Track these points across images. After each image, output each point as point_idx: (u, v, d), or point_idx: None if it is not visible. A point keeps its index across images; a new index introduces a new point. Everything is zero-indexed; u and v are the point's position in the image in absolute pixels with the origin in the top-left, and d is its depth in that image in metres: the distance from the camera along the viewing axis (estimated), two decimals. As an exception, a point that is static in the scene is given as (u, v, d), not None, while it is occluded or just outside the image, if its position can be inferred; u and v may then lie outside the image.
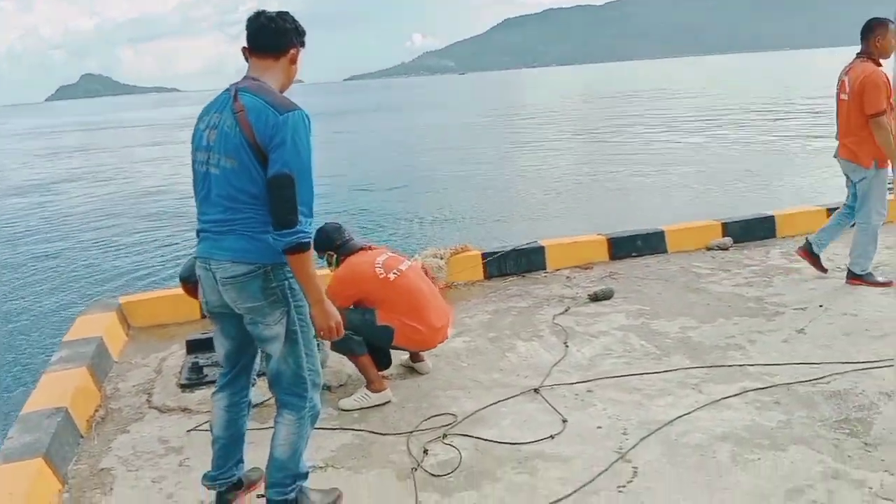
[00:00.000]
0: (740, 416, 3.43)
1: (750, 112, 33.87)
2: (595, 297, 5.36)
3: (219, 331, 2.84)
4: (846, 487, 2.78)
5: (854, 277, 5.29)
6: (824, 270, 5.56)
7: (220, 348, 2.88)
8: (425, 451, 3.26)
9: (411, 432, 3.47)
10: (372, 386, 3.79)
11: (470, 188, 16.82)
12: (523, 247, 6.32)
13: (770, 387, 3.70)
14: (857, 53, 5.20)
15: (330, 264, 4.00)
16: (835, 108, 5.36)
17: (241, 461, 2.99)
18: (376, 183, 18.55)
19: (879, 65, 5.09)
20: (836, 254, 6.06)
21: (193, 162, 2.70)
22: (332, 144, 33.59)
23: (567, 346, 4.47)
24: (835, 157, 5.42)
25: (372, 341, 3.82)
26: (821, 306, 4.88)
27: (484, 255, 6.16)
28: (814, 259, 5.55)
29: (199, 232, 2.72)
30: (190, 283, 3.92)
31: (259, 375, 3.04)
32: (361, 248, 3.98)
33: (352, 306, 3.81)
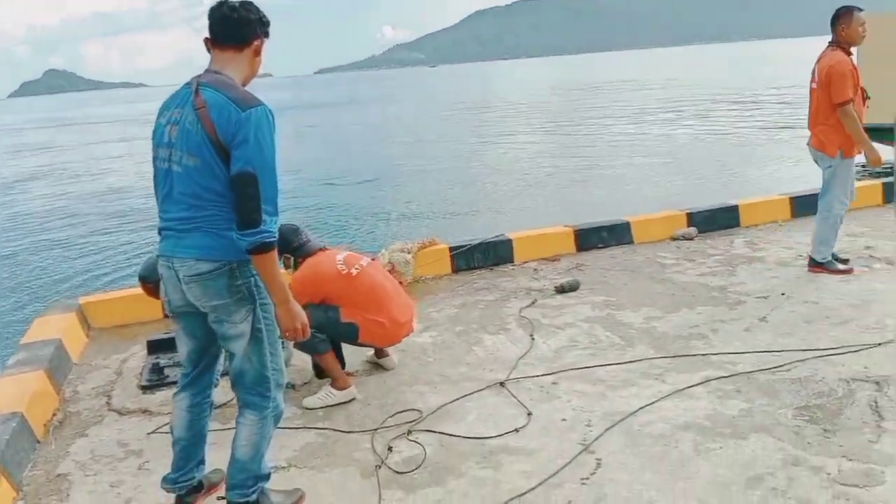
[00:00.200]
0: (702, 405, 3.45)
1: (717, 103, 34.26)
2: (561, 289, 5.37)
3: (181, 330, 2.79)
4: (805, 474, 2.81)
5: (815, 265, 5.36)
6: (846, 262, 5.44)
7: (183, 348, 2.82)
8: (390, 449, 3.24)
9: (376, 429, 3.44)
10: (336, 384, 3.75)
11: (439, 181, 16.79)
12: (491, 240, 6.32)
13: (732, 375, 3.74)
14: (829, 42, 5.25)
15: (287, 267, 3.92)
16: (808, 98, 5.38)
17: (202, 463, 2.94)
18: (346, 177, 18.44)
19: (849, 53, 5.14)
20: (798, 242, 6.16)
21: (154, 158, 2.63)
22: (301, 138, 33.36)
23: (533, 339, 4.47)
24: (807, 145, 5.45)
25: (336, 339, 3.79)
26: (783, 294, 4.94)
27: (451, 249, 6.14)
28: (826, 267, 5.37)
29: (160, 230, 2.65)
30: (149, 282, 3.85)
31: (222, 375, 2.99)
32: (319, 250, 3.92)
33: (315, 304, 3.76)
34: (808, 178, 12.79)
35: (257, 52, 2.64)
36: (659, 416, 3.36)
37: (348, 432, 3.45)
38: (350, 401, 3.76)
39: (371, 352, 4.18)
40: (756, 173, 14.75)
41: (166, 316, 2.86)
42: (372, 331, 3.78)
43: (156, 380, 4.18)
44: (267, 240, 2.44)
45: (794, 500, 2.66)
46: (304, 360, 4.13)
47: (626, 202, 11.93)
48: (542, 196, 14.32)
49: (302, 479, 3.07)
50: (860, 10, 5.15)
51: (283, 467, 3.17)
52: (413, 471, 3.05)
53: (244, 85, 2.59)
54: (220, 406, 3.61)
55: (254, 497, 2.73)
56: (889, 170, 6.36)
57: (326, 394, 3.73)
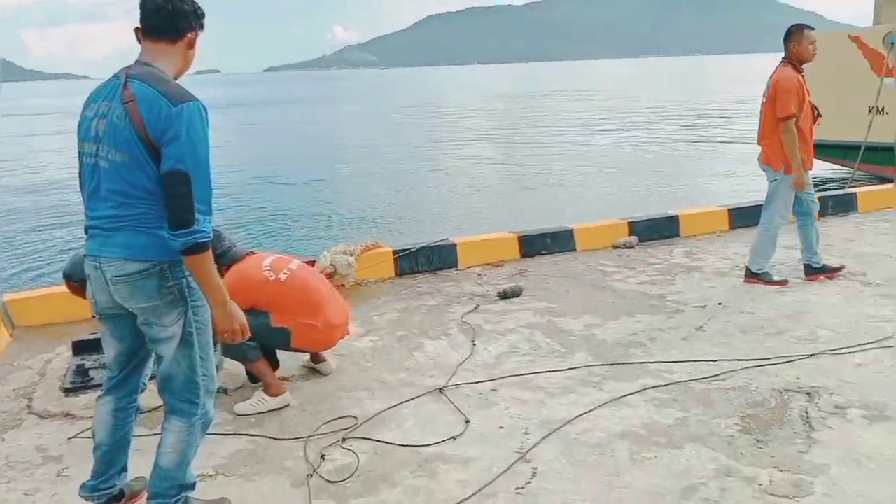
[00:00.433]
0: (639, 413, 3.46)
1: (660, 115, 34.99)
2: (504, 295, 5.35)
3: (108, 332, 2.65)
4: (738, 484, 2.83)
5: (751, 276, 5.46)
6: (841, 268, 5.52)
7: (110, 351, 2.68)
8: (322, 457, 3.15)
9: (309, 437, 3.34)
10: (269, 390, 3.63)
11: (385, 184, 16.68)
12: (435, 244, 6.27)
13: (669, 384, 3.76)
14: (781, 59, 5.36)
15: None
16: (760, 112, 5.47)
17: (124, 470, 2.81)
18: (289, 177, 18.17)
19: (799, 70, 5.25)
20: (736, 253, 6.29)
21: (80, 153, 2.49)
22: (244, 136, 32.79)
23: (474, 345, 4.43)
24: (756, 159, 5.52)
25: (268, 345, 3.66)
26: (719, 304, 5.02)
27: (395, 252, 6.07)
28: (822, 272, 5.46)
29: (87, 228, 2.52)
30: (74, 280, 3.67)
31: (150, 379, 2.86)
32: (246, 255, 3.78)
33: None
34: (746, 191, 13.19)
35: (191, 46, 2.53)
36: (596, 425, 3.36)
37: (280, 439, 3.35)
38: (284, 407, 3.65)
39: (307, 356, 4.08)
40: (695, 185, 15.10)
41: (94, 316, 2.73)
42: (305, 335, 3.67)
43: (80, 382, 3.99)
44: (200, 240, 2.34)
45: (725, 510, 2.67)
46: (236, 364, 4.00)
47: (570, 209, 12.05)
48: (488, 201, 14.35)
49: (230, 487, 2.96)
50: (811, 28, 5.29)
51: (211, 475, 3.05)
52: (345, 480, 2.97)
53: (176, 79, 2.48)
54: (148, 411, 3.48)
55: (177, 507, 2.61)
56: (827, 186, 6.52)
57: (259, 400, 3.61)
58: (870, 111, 10.72)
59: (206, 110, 2.39)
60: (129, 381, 2.72)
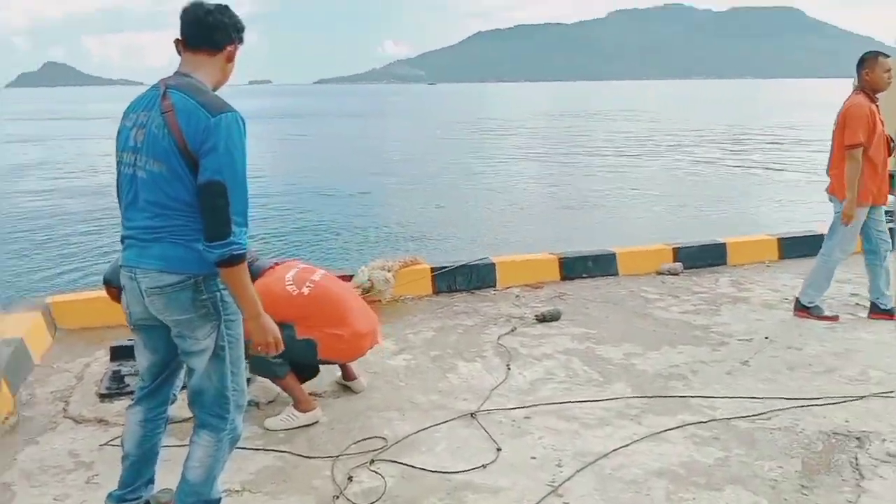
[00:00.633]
0: (678, 450, 3.33)
1: (711, 138, 34.46)
2: (542, 318, 5.26)
3: (141, 343, 2.65)
4: (780, 532, 2.70)
5: (801, 309, 5.27)
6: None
7: (143, 361, 2.69)
8: (350, 478, 3.09)
9: (337, 456, 3.29)
10: (299, 406, 3.60)
11: (427, 199, 16.70)
12: (474, 262, 6.21)
13: (710, 421, 3.62)
14: (853, 86, 5.17)
15: None
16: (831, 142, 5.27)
17: (151, 481, 2.80)
18: (335, 189, 18.32)
19: (872, 99, 5.06)
20: (785, 285, 6.09)
21: (118, 163, 2.51)
22: (294, 147, 33.28)
23: (509, 369, 4.35)
24: (825, 190, 5.30)
25: (295, 359, 3.62)
26: (766, 338, 4.85)
27: (433, 270, 6.02)
28: (890, 314, 5.20)
29: (123, 238, 2.53)
30: (114, 286, 3.69)
31: (181, 390, 2.85)
32: (269, 268, 3.75)
33: None
34: (797, 220, 12.85)
35: (230, 58, 2.54)
36: (632, 460, 3.24)
37: (308, 457, 3.30)
38: (313, 424, 3.62)
39: (339, 373, 4.04)
40: (744, 211, 14.76)
41: (129, 326, 2.73)
42: (331, 346, 3.61)
43: (115, 388, 4.02)
44: (237, 252, 2.32)
45: (766, 560, 2.54)
46: (270, 377, 3.99)
47: (613, 232, 11.87)
48: (530, 220, 14.24)
49: (255, 504, 2.93)
50: (886, 55, 5.09)
51: (237, 491, 3.02)
52: None
53: (215, 90, 2.48)
54: (178, 421, 3.47)
55: (201, 522, 2.59)
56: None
57: (289, 415, 3.58)
58: None
59: (244, 121, 2.38)
60: (160, 392, 2.71)
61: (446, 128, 45.03)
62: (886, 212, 5.30)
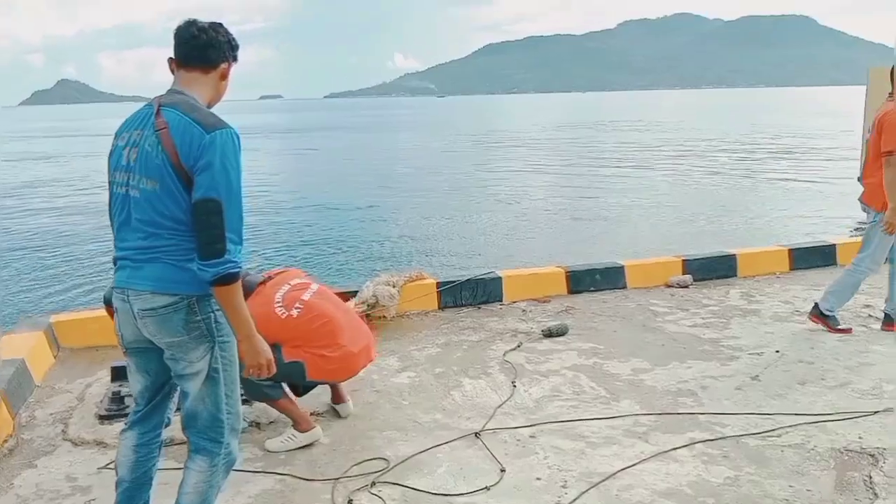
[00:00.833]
0: (686, 470, 3.25)
1: (721, 148, 34.29)
2: (549, 333, 5.19)
3: (134, 367, 2.61)
4: (792, 555, 2.61)
5: (818, 315, 5.11)
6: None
7: (135, 384, 2.65)
8: (350, 502, 3.03)
9: (338, 479, 3.23)
10: (299, 426, 3.54)
11: (435, 212, 16.65)
12: (480, 277, 6.14)
13: (719, 438, 3.54)
14: (888, 94, 5.07)
15: None
16: (864, 149, 5.14)
17: (145, 508, 2.74)
18: (343, 202, 18.31)
19: None
20: (796, 297, 5.99)
21: (111, 183, 2.47)
22: (304, 161, 33.39)
23: (514, 386, 4.27)
24: (858, 199, 5.17)
25: (283, 381, 3.55)
26: (777, 352, 4.76)
27: (439, 285, 5.96)
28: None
29: (116, 260, 2.49)
30: (112, 306, 3.67)
31: (177, 412, 2.80)
32: (261, 283, 3.69)
33: None
34: (808, 230, 12.72)
35: (224, 76, 2.51)
36: (640, 481, 3.16)
37: (309, 480, 3.24)
38: (314, 443, 3.56)
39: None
40: (755, 222, 14.60)
41: (122, 350, 2.69)
42: (320, 366, 3.54)
43: (115, 410, 3.97)
44: (232, 270, 2.28)
45: (778, 586, 2.45)
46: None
47: (621, 244, 11.76)
48: (538, 233, 14.15)
49: (253, 530, 2.87)
50: None
51: (235, 515, 2.96)
52: (372, 528, 2.85)
53: (209, 108, 2.45)
54: (178, 444, 3.42)
55: (195, 549, 2.52)
56: None
57: (289, 437, 3.52)
58: None
59: (238, 138, 2.36)
60: (154, 416, 2.66)
61: (454, 140, 45.10)
62: None
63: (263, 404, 3.87)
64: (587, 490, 3.08)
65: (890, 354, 4.68)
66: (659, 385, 4.26)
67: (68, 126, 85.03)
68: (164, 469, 2.87)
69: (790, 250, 7.04)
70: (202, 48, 2.43)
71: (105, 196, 2.57)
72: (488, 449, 3.47)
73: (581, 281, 6.36)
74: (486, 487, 3.12)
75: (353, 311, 3.88)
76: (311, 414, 3.82)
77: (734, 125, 53.83)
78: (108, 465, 3.42)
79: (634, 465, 3.30)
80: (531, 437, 3.62)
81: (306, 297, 3.63)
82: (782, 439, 3.53)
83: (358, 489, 3.13)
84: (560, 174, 25.27)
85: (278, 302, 3.57)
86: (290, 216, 16.26)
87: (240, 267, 2.32)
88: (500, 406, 3.99)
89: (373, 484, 3.17)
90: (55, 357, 4.97)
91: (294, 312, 3.54)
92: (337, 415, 3.91)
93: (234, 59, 2.53)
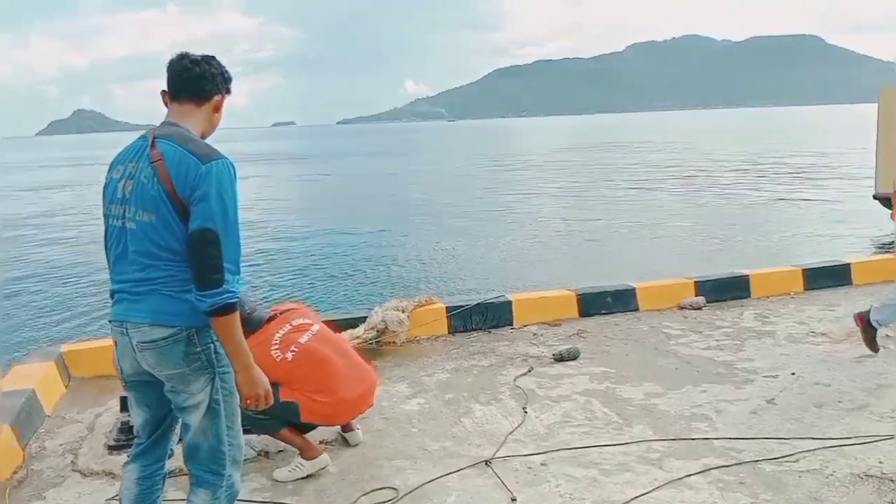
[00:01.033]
0: (702, 497, 3.18)
1: (732, 168, 34.21)
2: (560, 358, 5.13)
3: (134, 400, 2.60)
4: (812, 586, 2.54)
5: (865, 322, 4.91)
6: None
7: (137, 417, 2.63)
8: (358, 532, 2.99)
9: (347, 509, 3.20)
10: (304, 454, 3.50)
11: (446, 235, 16.67)
12: (490, 301, 6.11)
13: (735, 464, 3.47)
14: None
15: None
16: None
17: (151, 540, 2.70)
18: (355, 226, 18.38)
19: None
20: (811, 317, 5.92)
21: (106, 216, 2.47)
22: (316, 187, 33.57)
23: (526, 412, 4.22)
24: (891, 218, 5.03)
25: (280, 418, 3.50)
26: (793, 374, 4.68)
27: (448, 309, 5.93)
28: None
29: (113, 293, 2.48)
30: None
31: (179, 442, 2.78)
32: (267, 320, 3.66)
33: None
34: (822, 249, 12.60)
35: (217, 108, 2.53)
36: (653, 509, 3.10)
37: (317, 511, 3.21)
38: (322, 469, 3.51)
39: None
40: (768, 243, 14.50)
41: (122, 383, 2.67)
42: (314, 410, 3.51)
43: (124, 440, 3.94)
44: (230, 300, 2.28)
45: None
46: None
47: (633, 266, 11.69)
48: (548, 255, 14.11)
49: (260, 563, 2.83)
50: None
51: (243, 548, 2.92)
52: (381, 560, 2.80)
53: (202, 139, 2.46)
54: (183, 474, 3.39)
55: (199, 583, 2.49)
56: None
57: (296, 466, 3.48)
58: None
59: (234, 168, 2.36)
60: (156, 449, 2.64)
61: (467, 163, 45.24)
62: None
63: (271, 433, 3.84)
64: (600, 519, 3.02)
65: (909, 375, 4.59)
66: (672, 409, 4.20)
67: (84, 155, 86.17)
68: (171, 500, 2.84)
69: (804, 270, 6.95)
70: (194, 81, 2.45)
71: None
72: (499, 477, 3.42)
73: (592, 304, 6.31)
74: (496, 517, 3.07)
75: (352, 353, 3.81)
76: (321, 442, 3.78)
77: (745, 145, 53.75)
78: (115, 496, 3.38)
79: (648, 492, 3.23)
80: (543, 464, 3.57)
81: (303, 339, 3.60)
82: (800, 464, 3.46)
83: (367, 520, 3.09)
84: (570, 196, 25.28)
85: (275, 344, 3.54)
86: (301, 242, 16.32)
87: (237, 297, 2.32)
88: (510, 433, 3.93)
89: (381, 514, 3.13)
90: (66, 386, 4.96)
91: (289, 356, 3.52)
92: (346, 443, 3.87)
93: (228, 90, 2.55)
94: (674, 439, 3.79)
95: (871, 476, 3.31)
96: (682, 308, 6.38)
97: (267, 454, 3.75)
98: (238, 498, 2.76)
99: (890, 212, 5.02)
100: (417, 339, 5.69)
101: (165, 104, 2.49)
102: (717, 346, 5.34)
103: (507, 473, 3.46)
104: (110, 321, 2.48)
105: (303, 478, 3.48)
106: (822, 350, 5.11)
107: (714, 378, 4.69)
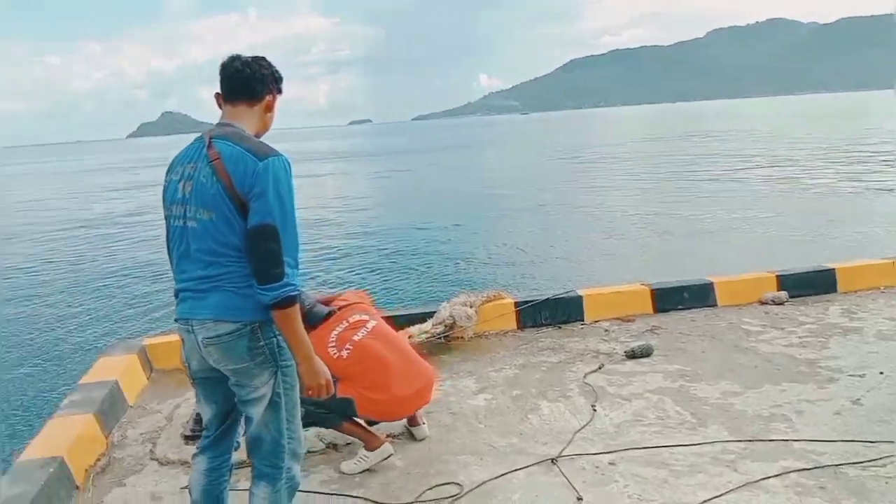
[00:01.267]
0: (778, 501, 3.04)
1: (821, 156, 32.72)
2: (632, 355, 5.01)
3: (202, 396, 2.68)
4: None
5: None
6: None
7: (204, 412, 2.71)
8: (422, 528, 2.99)
9: (411, 503, 3.20)
10: (368, 445, 3.54)
11: (520, 228, 16.59)
12: (560, 296, 6.01)
13: (815, 468, 3.30)
14: None
15: None
16: None
17: (219, 529, 2.78)
18: (428, 222, 18.48)
19: None
20: (902, 314, 5.58)
21: (168, 217, 2.55)
22: (393, 183, 33.95)
23: (595, 410, 4.14)
24: None
25: (337, 412, 3.54)
26: (881, 373, 4.43)
27: (517, 304, 5.87)
28: None
29: (177, 292, 2.55)
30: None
31: (243, 435, 2.85)
32: (325, 316, 3.69)
33: None
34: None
35: (269, 108, 2.58)
36: (726, 513, 2.98)
37: (382, 504, 3.22)
38: (387, 457, 3.54)
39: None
40: (856, 234, 13.79)
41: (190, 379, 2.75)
42: (369, 407, 3.55)
43: (199, 430, 4.03)
44: (291, 293, 2.33)
45: None
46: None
47: (712, 260, 11.32)
48: (623, 249, 13.81)
49: (325, 555, 2.86)
50: None
51: (309, 539, 2.97)
52: (443, 556, 2.79)
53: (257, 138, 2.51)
54: (248, 466, 3.47)
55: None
56: None
57: (361, 457, 3.53)
58: None
59: (290, 164, 2.40)
60: (223, 441, 2.71)
61: (542, 156, 44.84)
62: None
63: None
64: (669, 521, 2.93)
65: None
66: (750, 409, 4.03)
67: (171, 155, 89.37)
68: (240, 490, 2.91)
69: (895, 263, 6.57)
70: (246, 81, 2.51)
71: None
72: (565, 476, 3.36)
73: (668, 299, 6.13)
74: (561, 516, 3.02)
75: (408, 350, 3.81)
76: (388, 436, 3.81)
77: (834, 131, 51.32)
78: (187, 486, 3.50)
79: (721, 495, 3.12)
80: (611, 464, 3.49)
81: (358, 337, 3.63)
82: (886, 469, 3.26)
83: (430, 515, 3.09)
84: (647, 188, 24.70)
85: (332, 341, 3.59)
86: (374, 238, 16.54)
87: (298, 290, 2.37)
88: (578, 431, 3.86)
89: (445, 510, 3.12)
90: (148, 378, 5.16)
91: (344, 353, 3.56)
92: (412, 437, 3.89)
93: (279, 90, 2.61)
94: (750, 440, 3.64)
95: (967, 484, 3.10)
96: (762, 303, 6.13)
97: (335, 447, 3.81)
98: (306, 489, 2.81)
99: None
100: (485, 334, 5.66)
101: (219, 106, 2.55)
102: (799, 344, 5.10)
103: (573, 472, 3.40)
104: (176, 320, 2.55)
105: (368, 469, 3.51)
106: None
107: (796, 377, 4.48)
